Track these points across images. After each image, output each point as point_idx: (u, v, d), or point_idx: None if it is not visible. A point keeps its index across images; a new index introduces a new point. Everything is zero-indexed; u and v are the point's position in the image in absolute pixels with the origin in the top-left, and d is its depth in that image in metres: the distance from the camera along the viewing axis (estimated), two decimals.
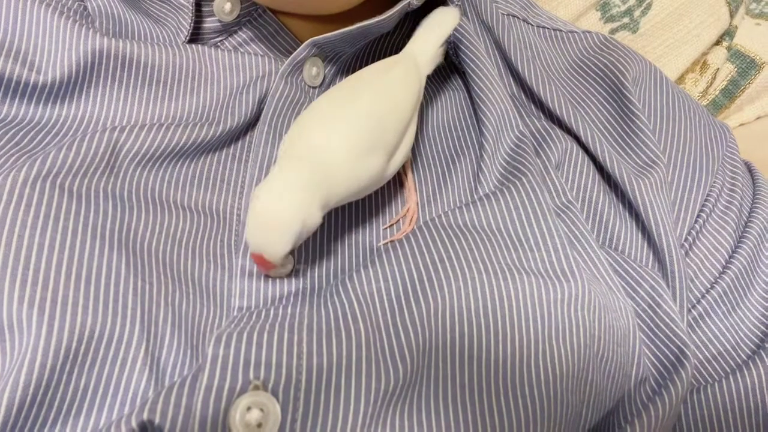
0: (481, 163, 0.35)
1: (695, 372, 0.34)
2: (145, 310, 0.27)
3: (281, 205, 0.26)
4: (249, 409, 0.24)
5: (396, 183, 0.36)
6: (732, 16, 0.60)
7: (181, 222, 0.31)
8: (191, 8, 0.35)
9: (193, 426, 0.23)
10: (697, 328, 0.35)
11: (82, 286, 0.26)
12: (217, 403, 0.23)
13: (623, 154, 0.37)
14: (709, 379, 0.33)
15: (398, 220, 0.34)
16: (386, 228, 0.34)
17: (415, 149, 0.38)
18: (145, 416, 0.23)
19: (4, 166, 0.29)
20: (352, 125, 0.30)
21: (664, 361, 0.31)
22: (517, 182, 0.33)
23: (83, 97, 0.32)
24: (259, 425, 0.24)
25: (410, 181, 0.36)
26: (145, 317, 0.26)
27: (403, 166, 0.36)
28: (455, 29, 0.39)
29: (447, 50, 0.39)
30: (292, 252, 0.31)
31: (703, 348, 0.34)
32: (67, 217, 0.27)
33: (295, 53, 0.35)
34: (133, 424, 0.23)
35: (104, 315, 0.26)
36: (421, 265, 0.29)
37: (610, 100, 0.39)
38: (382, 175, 0.31)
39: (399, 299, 0.28)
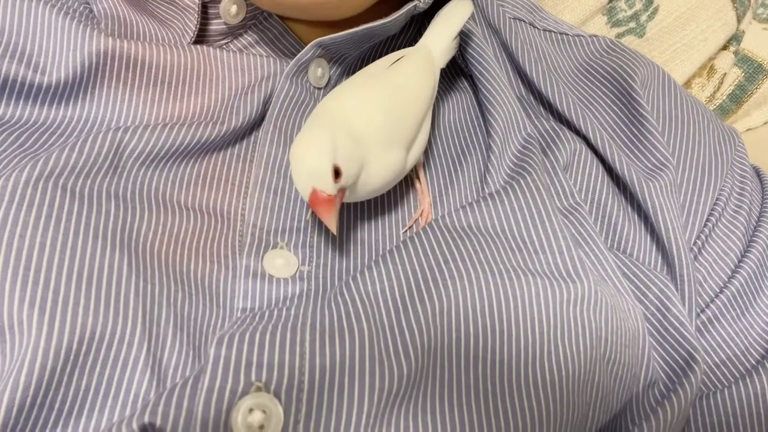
0: (489, 164, 0.35)
1: (704, 377, 0.33)
2: (146, 311, 0.26)
3: (309, 140, 0.28)
4: (251, 410, 0.23)
5: (403, 184, 0.36)
6: (739, 20, 0.59)
7: (185, 222, 0.30)
8: (197, 10, 0.35)
9: (194, 428, 0.23)
10: (705, 333, 0.34)
11: (84, 286, 0.26)
12: (218, 405, 0.23)
13: (632, 156, 0.37)
14: (718, 385, 0.33)
15: (415, 221, 0.34)
16: (405, 231, 0.34)
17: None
18: (146, 419, 0.23)
19: (6, 167, 0.29)
20: (371, 118, 0.31)
21: (673, 365, 0.31)
22: (522, 183, 0.33)
23: (88, 98, 0.32)
24: (261, 427, 0.23)
25: (423, 182, 0.36)
26: (146, 318, 0.26)
27: (415, 167, 0.36)
28: (463, 33, 0.39)
29: (459, 44, 0.39)
30: (296, 253, 0.31)
31: (711, 353, 0.34)
32: (69, 218, 0.27)
33: (300, 53, 0.35)
34: (134, 426, 0.22)
35: (105, 315, 0.25)
36: (425, 266, 0.29)
37: (619, 103, 0.38)
38: (403, 167, 0.32)
39: (403, 299, 0.28)
